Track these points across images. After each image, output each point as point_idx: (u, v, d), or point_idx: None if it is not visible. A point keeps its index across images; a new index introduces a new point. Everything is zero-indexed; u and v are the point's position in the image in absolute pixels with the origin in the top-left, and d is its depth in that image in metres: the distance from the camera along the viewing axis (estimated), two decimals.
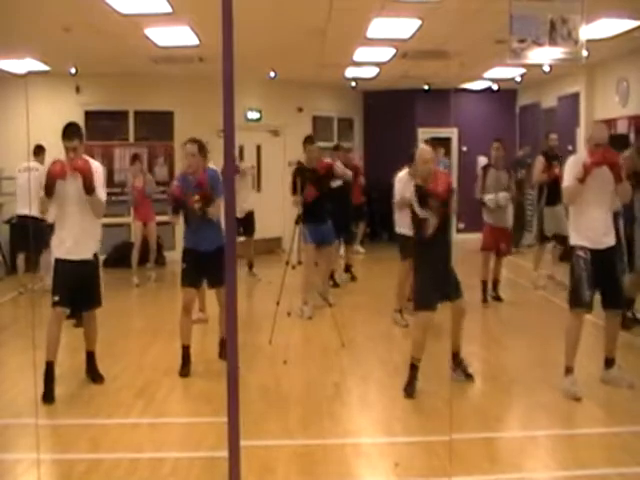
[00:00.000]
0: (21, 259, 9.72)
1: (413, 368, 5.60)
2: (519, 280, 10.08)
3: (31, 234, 9.08)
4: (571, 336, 5.43)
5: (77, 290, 5.54)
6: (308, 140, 8.49)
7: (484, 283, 8.67)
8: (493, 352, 6.99)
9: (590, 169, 5.20)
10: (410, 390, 5.52)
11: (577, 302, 5.39)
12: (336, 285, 9.81)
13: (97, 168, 5.54)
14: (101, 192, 5.49)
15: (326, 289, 8.59)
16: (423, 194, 5.48)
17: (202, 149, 6.23)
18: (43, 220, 7.20)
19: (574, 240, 5.49)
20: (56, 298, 5.45)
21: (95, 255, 5.70)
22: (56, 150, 5.70)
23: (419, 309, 5.62)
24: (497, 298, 8.80)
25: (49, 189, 5.32)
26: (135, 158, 10.68)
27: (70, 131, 5.44)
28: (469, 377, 5.84)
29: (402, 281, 7.62)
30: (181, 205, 6.08)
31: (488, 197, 8.46)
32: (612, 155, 5.29)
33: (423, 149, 5.89)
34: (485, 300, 8.62)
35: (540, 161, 9.13)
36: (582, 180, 5.22)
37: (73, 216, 5.45)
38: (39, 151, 9.40)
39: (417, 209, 5.54)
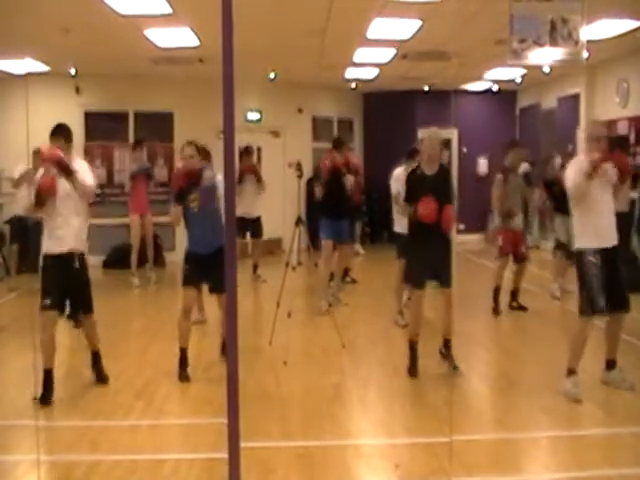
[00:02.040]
0: (14, 251, 9.81)
1: (412, 347, 5.87)
2: (531, 287, 9.93)
3: (30, 232, 9.18)
4: (578, 340, 5.39)
5: (67, 291, 5.45)
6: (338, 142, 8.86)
7: (496, 291, 8.21)
8: (496, 355, 6.99)
9: (598, 164, 5.11)
10: (413, 370, 5.81)
11: (592, 309, 5.28)
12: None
13: (82, 163, 5.52)
14: (87, 178, 5.39)
15: (340, 287, 8.64)
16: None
17: (204, 152, 6.23)
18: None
19: (582, 243, 5.38)
20: (46, 301, 5.31)
21: (83, 257, 5.58)
22: None
23: (408, 285, 5.97)
24: (520, 307, 8.36)
25: (40, 204, 5.32)
26: (137, 145, 10.69)
27: (57, 132, 5.40)
28: (456, 369, 5.88)
29: (399, 281, 7.63)
30: (184, 193, 5.90)
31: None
32: (620, 155, 5.28)
33: (429, 137, 6.08)
34: (497, 311, 8.17)
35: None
36: (590, 175, 5.12)
37: (61, 213, 5.37)
38: (36, 154, 9.39)
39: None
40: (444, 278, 5.89)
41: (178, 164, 6.15)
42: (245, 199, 10.18)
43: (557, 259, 9.15)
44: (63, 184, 5.33)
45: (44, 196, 5.30)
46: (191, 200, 5.85)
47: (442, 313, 6.04)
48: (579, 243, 5.43)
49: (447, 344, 6.01)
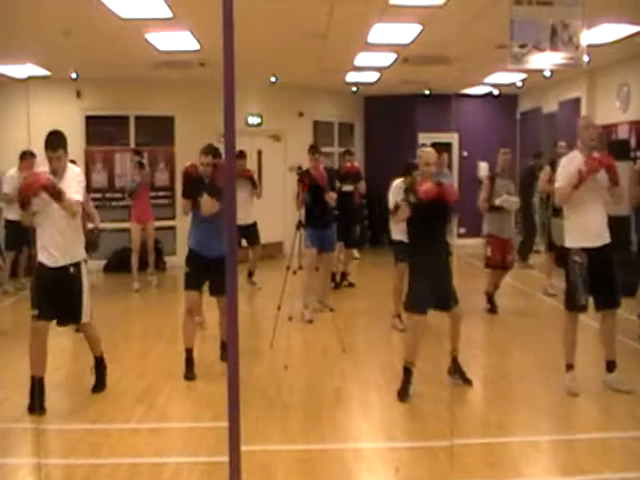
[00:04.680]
0: (9, 258, 9.87)
1: (407, 372, 5.61)
2: (526, 289, 9.95)
3: (18, 235, 9.31)
4: (568, 335, 5.62)
5: (59, 300, 5.28)
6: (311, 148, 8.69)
7: (489, 296, 8.51)
8: (495, 358, 6.98)
9: (586, 177, 5.30)
10: (403, 394, 5.51)
11: (573, 306, 5.53)
12: (337, 287, 9.80)
13: (74, 171, 5.36)
14: (75, 193, 5.21)
15: (326, 294, 8.57)
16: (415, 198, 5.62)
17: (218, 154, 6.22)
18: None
19: (570, 242, 5.56)
20: (36, 312, 5.19)
21: (78, 265, 5.40)
22: None
23: (410, 311, 5.67)
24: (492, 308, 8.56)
25: (24, 205, 5.13)
26: (136, 154, 10.77)
27: (51, 140, 5.24)
28: (467, 382, 5.83)
29: (397, 285, 7.62)
30: (197, 187, 5.95)
31: (501, 198, 8.22)
32: (608, 159, 5.38)
33: (427, 151, 5.91)
34: (493, 310, 8.45)
35: (546, 171, 9.05)
36: (577, 186, 5.32)
37: (53, 224, 5.24)
38: (26, 157, 9.45)
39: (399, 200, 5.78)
40: (449, 300, 5.64)
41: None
42: (239, 205, 10.07)
43: (547, 258, 9.43)
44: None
45: (26, 196, 5.10)
46: (204, 202, 5.92)
47: (451, 333, 5.86)
48: (568, 242, 5.59)
49: (455, 361, 5.91)
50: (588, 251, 5.42)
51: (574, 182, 5.32)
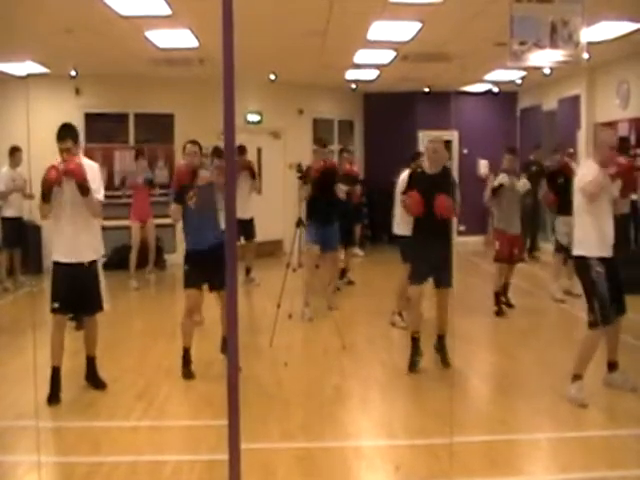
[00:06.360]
0: (7, 256, 9.89)
1: (414, 342, 6.03)
2: (533, 289, 9.89)
3: (15, 233, 9.49)
4: (589, 351, 5.28)
5: (76, 294, 5.44)
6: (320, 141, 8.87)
7: (497, 295, 8.26)
8: (497, 356, 6.98)
9: (616, 178, 5.20)
10: (413, 366, 5.94)
11: (604, 320, 5.20)
12: (337, 289, 9.77)
13: (93, 168, 5.49)
14: (98, 192, 5.40)
15: (332, 296, 8.50)
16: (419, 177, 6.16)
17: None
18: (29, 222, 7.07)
19: (589, 252, 5.26)
20: (56, 305, 5.39)
21: (95, 262, 5.58)
22: (54, 152, 5.59)
23: (410, 283, 6.16)
24: (507, 304, 8.49)
25: (46, 196, 5.22)
26: (139, 153, 10.76)
27: (64, 132, 5.35)
28: (446, 365, 6.08)
29: (402, 283, 7.60)
30: (185, 190, 6.03)
31: (502, 177, 8.11)
32: (631, 168, 5.37)
33: (436, 142, 6.33)
34: (499, 313, 8.20)
35: (544, 187, 9.07)
36: (613, 177, 5.19)
37: (69, 218, 5.35)
38: (14, 152, 9.45)
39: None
40: (444, 279, 6.08)
41: (180, 162, 6.24)
42: (237, 199, 10.04)
43: (556, 260, 9.14)
44: (72, 193, 5.30)
45: (49, 188, 5.20)
46: (189, 197, 5.99)
47: (439, 310, 6.20)
48: (583, 250, 5.31)
49: (441, 340, 6.21)
50: (604, 260, 5.23)
51: (612, 172, 5.13)
